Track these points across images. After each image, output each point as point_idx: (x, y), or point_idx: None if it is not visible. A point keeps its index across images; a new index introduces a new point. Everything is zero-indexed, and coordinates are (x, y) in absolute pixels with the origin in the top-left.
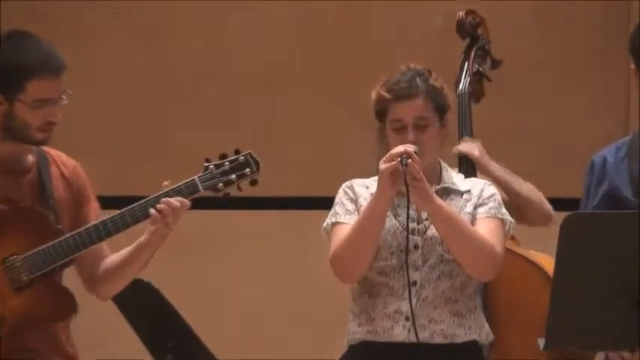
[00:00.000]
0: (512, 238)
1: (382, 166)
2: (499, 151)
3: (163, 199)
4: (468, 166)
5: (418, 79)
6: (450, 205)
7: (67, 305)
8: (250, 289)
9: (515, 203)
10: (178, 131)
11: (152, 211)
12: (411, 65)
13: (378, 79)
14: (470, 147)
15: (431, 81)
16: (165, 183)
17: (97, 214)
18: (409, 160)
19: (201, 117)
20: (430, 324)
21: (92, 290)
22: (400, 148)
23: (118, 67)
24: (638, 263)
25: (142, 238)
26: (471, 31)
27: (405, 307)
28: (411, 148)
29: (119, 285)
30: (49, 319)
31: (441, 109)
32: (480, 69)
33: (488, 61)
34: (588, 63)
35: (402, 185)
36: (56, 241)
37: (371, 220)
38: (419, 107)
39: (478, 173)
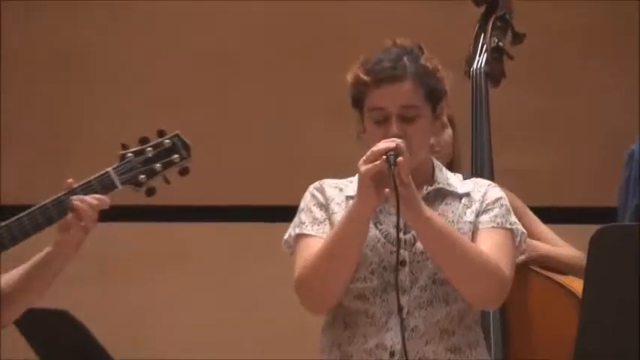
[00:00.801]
0: None
1: (362, 167)
2: (519, 146)
3: (77, 197)
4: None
5: (406, 58)
6: (443, 215)
7: None
8: (199, 317)
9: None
10: (98, 118)
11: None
12: (398, 41)
13: (357, 58)
14: None
15: (422, 60)
16: (70, 181)
17: None
18: (399, 159)
19: (131, 101)
20: None
21: None
22: (385, 144)
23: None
24: None
25: (47, 250)
26: None
27: (388, 339)
28: (397, 142)
29: (16, 312)
30: None
31: (434, 96)
32: (500, 44)
33: (509, 34)
34: (627, 36)
35: (387, 190)
36: None
37: (347, 235)
38: (406, 93)
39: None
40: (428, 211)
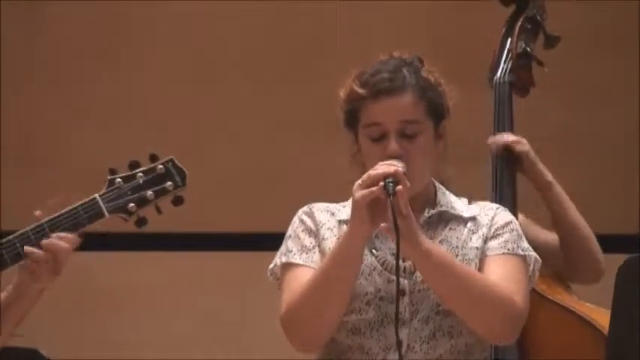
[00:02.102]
0: (562, 284)
1: (357, 192)
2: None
3: (44, 242)
4: (508, 164)
5: (405, 70)
6: (447, 240)
7: None
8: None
9: (566, 239)
10: (77, 133)
11: (32, 252)
12: (396, 53)
13: (350, 72)
14: (511, 138)
15: (423, 73)
16: (38, 213)
17: None
18: (398, 187)
19: (110, 114)
20: None
21: None
22: (384, 168)
23: None
24: None
25: (6, 292)
26: None
27: None
28: (398, 166)
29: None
30: None
31: (436, 112)
32: (528, 49)
33: (543, 38)
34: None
35: (384, 220)
36: None
37: (340, 266)
38: (406, 107)
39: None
40: (427, 243)
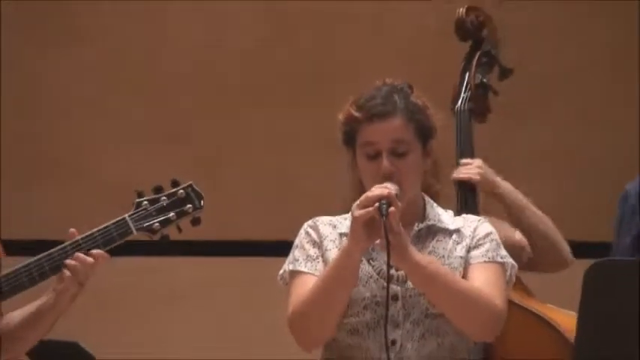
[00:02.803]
0: (522, 287)
1: (355, 212)
2: (513, 183)
3: (75, 255)
4: (468, 195)
5: (396, 96)
6: (435, 254)
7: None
8: (203, 347)
9: (527, 239)
10: (99, 153)
11: (65, 267)
12: (388, 80)
13: (347, 97)
14: (467, 171)
15: (412, 98)
16: (72, 230)
17: None
18: (391, 209)
19: (131, 135)
20: None
21: None
22: (379, 191)
23: None
24: None
25: (45, 299)
26: (473, 33)
27: None
28: (392, 189)
29: (24, 347)
30: None
31: (423, 132)
32: (484, 80)
33: (496, 69)
34: (613, 73)
35: (379, 236)
36: None
37: (339, 278)
38: (396, 128)
39: (482, 207)
40: (417, 256)
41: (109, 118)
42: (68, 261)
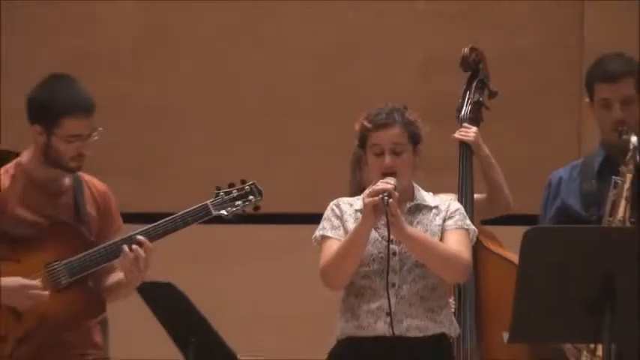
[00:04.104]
0: (497, 241)
1: (366, 199)
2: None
3: (139, 239)
4: (465, 149)
5: (395, 113)
6: (421, 224)
7: (97, 305)
8: (253, 294)
9: (489, 187)
10: (188, 155)
11: (125, 248)
12: (390, 103)
13: (361, 114)
14: (465, 133)
15: (406, 115)
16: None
17: (118, 232)
18: (390, 200)
19: (211, 141)
20: (407, 319)
21: None
22: (382, 185)
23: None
24: (589, 272)
25: (122, 277)
26: (473, 66)
27: (385, 304)
28: (391, 184)
29: (112, 300)
30: (83, 317)
31: (414, 139)
32: (480, 99)
33: (487, 92)
34: (549, 98)
35: (382, 216)
36: (91, 251)
37: (354, 243)
38: (395, 135)
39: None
40: (409, 230)
41: (202, 129)
42: (125, 249)
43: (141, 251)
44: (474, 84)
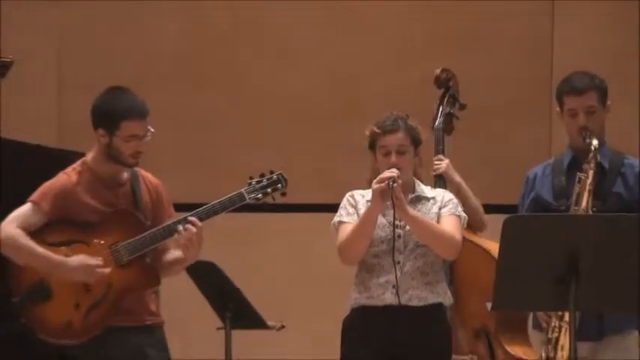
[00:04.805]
0: (472, 231)
1: (375, 186)
2: (457, 166)
3: (190, 219)
4: (438, 180)
5: (399, 120)
6: (421, 212)
7: (153, 279)
8: (280, 270)
9: (466, 212)
10: (229, 150)
11: (179, 228)
12: (394, 112)
13: (371, 121)
14: (438, 166)
15: (409, 122)
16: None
17: (170, 218)
18: (394, 185)
19: (249, 139)
20: (410, 290)
21: None
22: (388, 173)
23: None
24: (558, 252)
25: (176, 255)
26: (444, 83)
27: (392, 278)
28: (395, 173)
29: (166, 275)
30: (141, 288)
31: (415, 142)
32: (451, 111)
33: (457, 105)
34: (524, 108)
35: (389, 200)
36: (147, 233)
37: (366, 224)
38: (400, 138)
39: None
40: (412, 212)
41: (240, 129)
42: (179, 229)
43: (193, 229)
44: (446, 99)
